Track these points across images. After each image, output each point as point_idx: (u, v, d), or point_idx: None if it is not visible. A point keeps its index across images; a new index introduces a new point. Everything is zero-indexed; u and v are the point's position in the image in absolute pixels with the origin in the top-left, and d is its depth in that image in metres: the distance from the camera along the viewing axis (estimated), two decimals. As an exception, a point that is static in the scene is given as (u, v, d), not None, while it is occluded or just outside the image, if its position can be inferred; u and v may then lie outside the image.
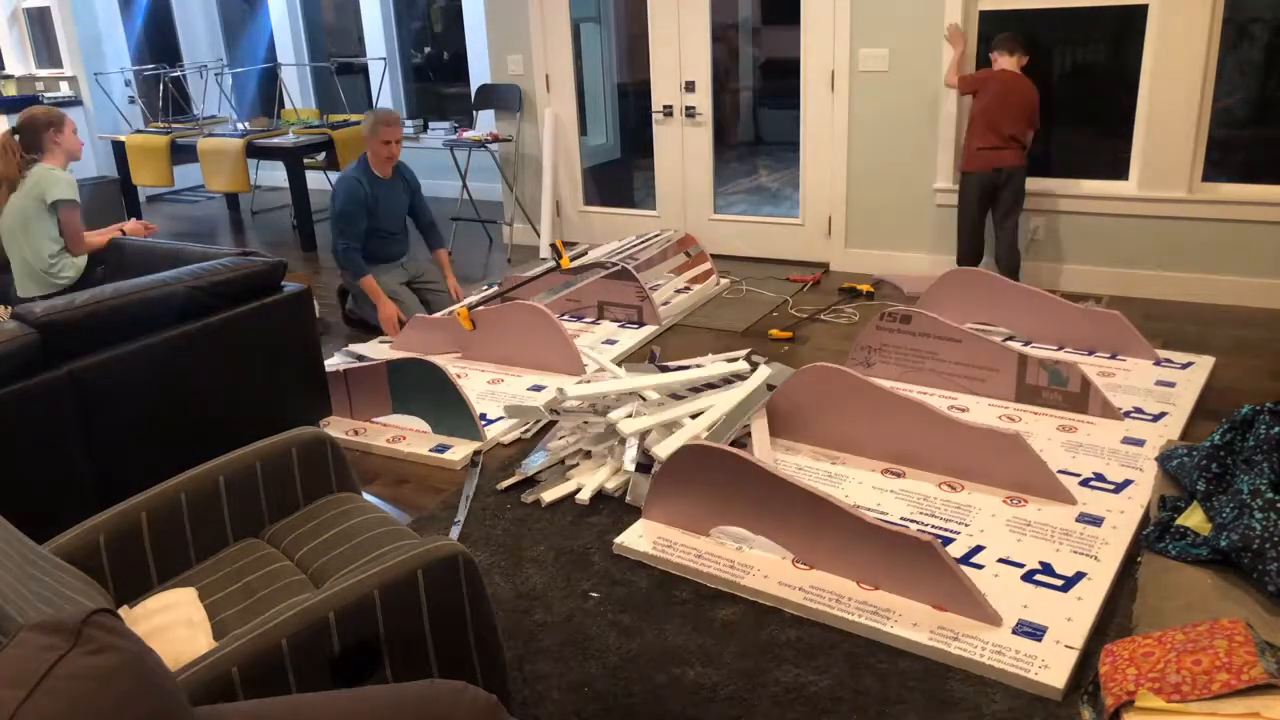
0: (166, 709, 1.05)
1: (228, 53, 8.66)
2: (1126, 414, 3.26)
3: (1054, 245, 4.69)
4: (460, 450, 3.30)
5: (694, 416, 3.18)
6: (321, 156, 6.82)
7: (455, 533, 2.83)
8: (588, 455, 3.15)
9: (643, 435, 3.08)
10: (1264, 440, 2.40)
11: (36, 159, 3.77)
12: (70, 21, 7.85)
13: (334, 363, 4.03)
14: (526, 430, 3.45)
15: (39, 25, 8.12)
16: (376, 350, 4.26)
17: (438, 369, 3.38)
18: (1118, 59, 4.48)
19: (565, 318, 4.60)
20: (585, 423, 3.28)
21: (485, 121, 6.74)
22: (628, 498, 2.92)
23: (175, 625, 1.73)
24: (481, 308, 4.12)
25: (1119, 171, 4.52)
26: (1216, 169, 4.36)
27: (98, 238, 3.88)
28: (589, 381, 3.72)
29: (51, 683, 0.97)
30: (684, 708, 2.09)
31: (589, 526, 2.81)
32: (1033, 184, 4.53)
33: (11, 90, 7.84)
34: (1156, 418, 3.24)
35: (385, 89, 7.72)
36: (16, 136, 3.77)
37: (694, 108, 5.42)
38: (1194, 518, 2.41)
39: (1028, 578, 2.41)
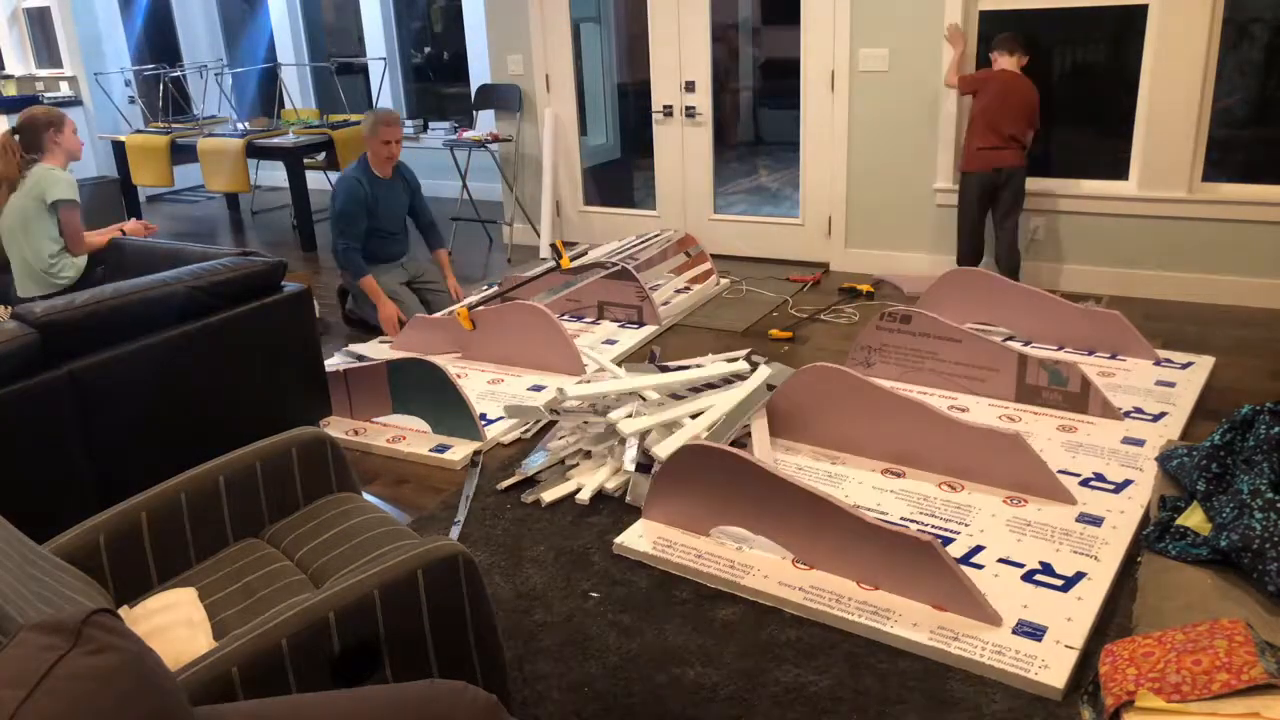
0: (166, 709, 1.05)
1: (228, 53, 8.66)
2: (1126, 414, 3.26)
3: (1054, 245, 4.69)
4: (460, 450, 3.30)
5: (694, 416, 3.18)
6: (321, 156, 6.82)
7: (455, 533, 2.83)
8: (588, 455, 3.15)
9: (643, 435, 3.08)
10: (1264, 440, 2.40)
11: (36, 159, 3.77)
12: (70, 21, 7.85)
13: (334, 363, 4.03)
14: (526, 430, 3.45)
15: (39, 25, 8.12)
16: (376, 350, 4.26)
17: (438, 369, 3.38)
18: (1118, 59, 4.48)
19: (565, 318, 4.60)
20: (585, 423, 3.28)
21: (485, 121, 6.74)
22: (628, 498, 2.92)
23: (175, 625, 1.73)
24: (481, 308, 4.12)
25: (1119, 171, 4.52)
26: (1216, 169, 4.36)
27: (98, 238, 3.88)
28: (589, 381, 3.72)
29: (51, 683, 0.97)
30: (684, 708, 2.09)
31: (589, 526, 2.81)
32: (1033, 184, 4.53)
33: (11, 90, 7.84)
34: (1156, 418, 3.24)
35: (385, 89, 7.72)
36: (16, 136, 3.77)
37: (694, 108, 5.42)
38: (1194, 518, 2.41)
39: (1028, 578, 2.41)
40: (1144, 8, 4.26)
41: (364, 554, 1.94)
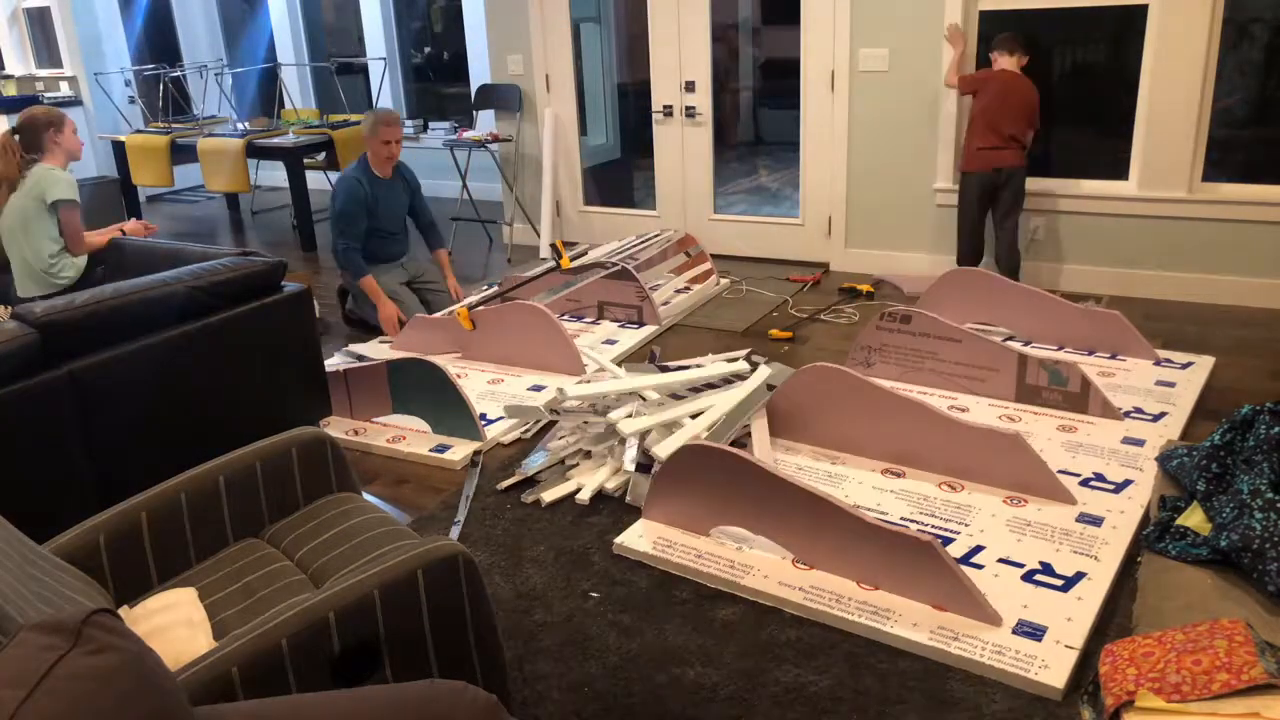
0: (166, 709, 1.05)
1: (228, 53, 8.66)
2: (1126, 414, 3.26)
3: (1054, 245, 4.69)
4: (460, 450, 3.30)
5: (694, 416, 3.18)
6: (321, 156, 6.82)
7: (455, 533, 2.83)
8: (588, 455, 3.15)
9: (643, 435, 3.08)
10: (1264, 440, 2.40)
11: (36, 159, 3.77)
12: (70, 21, 7.85)
13: (334, 363, 4.03)
14: (526, 430, 3.45)
15: (39, 25, 8.12)
16: (376, 350, 4.26)
17: (438, 369, 3.38)
18: (1118, 59, 4.48)
19: (565, 318, 4.60)
20: (585, 423, 3.28)
21: (485, 121, 6.74)
22: (628, 498, 2.92)
23: (175, 625, 1.73)
24: (481, 308, 4.12)
25: (1119, 171, 4.52)
26: (1216, 169, 4.36)
27: (98, 238, 3.89)
28: (589, 381, 3.72)
29: (51, 683, 0.97)
30: (684, 708, 2.09)
31: (589, 526, 2.81)
32: (1033, 184, 4.53)
33: (11, 90, 7.84)
34: (1156, 418, 3.24)
35: (385, 89, 7.72)
36: (16, 136, 3.77)
37: (694, 108, 5.42)
38: (1194, 518, 2.41)
39: (1028, 578, 2.41)
40: (1144, 8, 4.26)
41: (364, 554, 1.94)
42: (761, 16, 6.22)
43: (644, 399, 3.34)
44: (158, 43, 8.47)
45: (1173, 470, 2.66)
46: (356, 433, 3.48)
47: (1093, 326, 3.78)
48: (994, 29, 4.53)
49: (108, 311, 2.59)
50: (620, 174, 6.50)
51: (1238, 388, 3.51)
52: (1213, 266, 4.39)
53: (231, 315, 2.88)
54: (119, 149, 7.10)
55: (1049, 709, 2.02)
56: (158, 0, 8.45)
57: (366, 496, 2.44)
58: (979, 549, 2.55)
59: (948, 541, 2.59)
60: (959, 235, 4.58)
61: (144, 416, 2.66)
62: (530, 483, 3.08)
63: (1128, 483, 2.84)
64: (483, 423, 3.45)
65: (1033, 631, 2.21)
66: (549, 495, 2.95)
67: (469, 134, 6.41)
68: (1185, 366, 3.64)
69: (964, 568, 2.38)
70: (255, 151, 6.40)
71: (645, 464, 2.98)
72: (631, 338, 4.31)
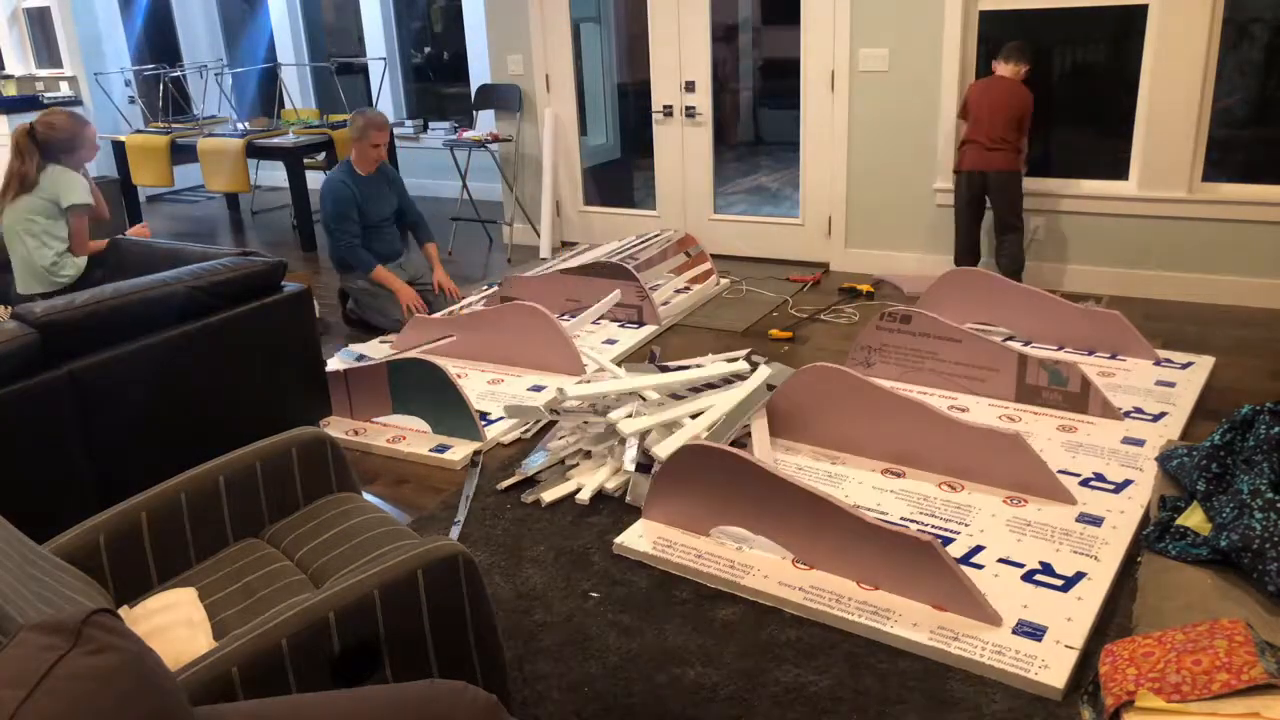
0: (166, 709, 1.05)
1: (228, 53, 8.66)
2: (1126, 414, 3.26)
3: (1054, 245, 4.69)
4: (460, 450, 3.30)
5: (694, 416, 3.18)
6: (321, 156, 6.82)
7: (455, 533, 2.83)
8: (588, 455, 3.15)
9: (643, 435, 3.08)
10: (1264, 440, 2.40)
11: (54, 161, 3.79)
12: (70, 21, 7.85)
13: (334, 363, 4.03)
14: (526, 430, 3.45)
15: (39, 25, 8.12)
16: (376, 350, 4.26)
17: (438, 369, 3.38)
18: (1118, 59, 4.48)
19: (565, 317, 4.60)
20: (585, 423, 3.28)
21: (485, 121, 6.74)
22: (628, 498, 2.92)
23: (175, 625, 1.73)
24: (481, 308, 4.12)
25: (1119, 171, 4.52)
26: (1216, 169, 4.36)
27: (98, 242, 3.91)
28: (589, 381, 3.72)
29: (51, 683, 0.97)
30: (684, 708, 2.09)
31: (589, 526, 2.81)
32: (1033, 184, 4.53)
33: (11, 90, 7.83)
34: (1156, 418, 3.24)
35: (385, 89, 7.72)
36: (34, 137, 3.78)
37: (694, 108, 5.42)
38: (1194, 518, 2.41)
39: (1028, 578, 2.41)
40: (1144, 8, 4.27)
41: (364, 554, 1.94)
42: (761, 16, 6.22)
43: (644, 399, 3.34)
44: (158, 43, 8.47)
45: (1173, 470, 2.66)
46: (356, 433, 3.48)
47: (1093, 326, 3.78)
48: (994, 29, 4.53)
49: (108, 311, 2.59)
50: (620, 174, 6.50)
51: (1238, 388, 3.51)
52: (1213, 266, 4.39)
53: (231, 315, 2.88)
54: (119, 149, 7.09)
55: (1049, 709, 2.02)
56: (158, 0, 8.45)
57: (366, 496, 2.44)
58: (979, 549, 2.55)
59: (948, 541, 2.59)
60: (955, 235, 4.59)
61: (144, 416, 2.66)
62: (530, 483, 3.08)
63: (1128, 483, 2.84)
64: (483, 423, 3.45)
65: (1033, 631, 2.21)
66: (549, 495, 2.95)
67: (469, 134, 6.41)
68: (1185, 366, 3.64)
69: (964, 568, 2.38)
70: (255, 151, 6.40)
71: (645, 464, 2.98)
72: (631, 338, 4.31)
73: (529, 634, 2.35)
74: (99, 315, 2.57)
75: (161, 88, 7.59)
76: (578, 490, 2.97)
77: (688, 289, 4.88)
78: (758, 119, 6.63)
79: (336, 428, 3.51)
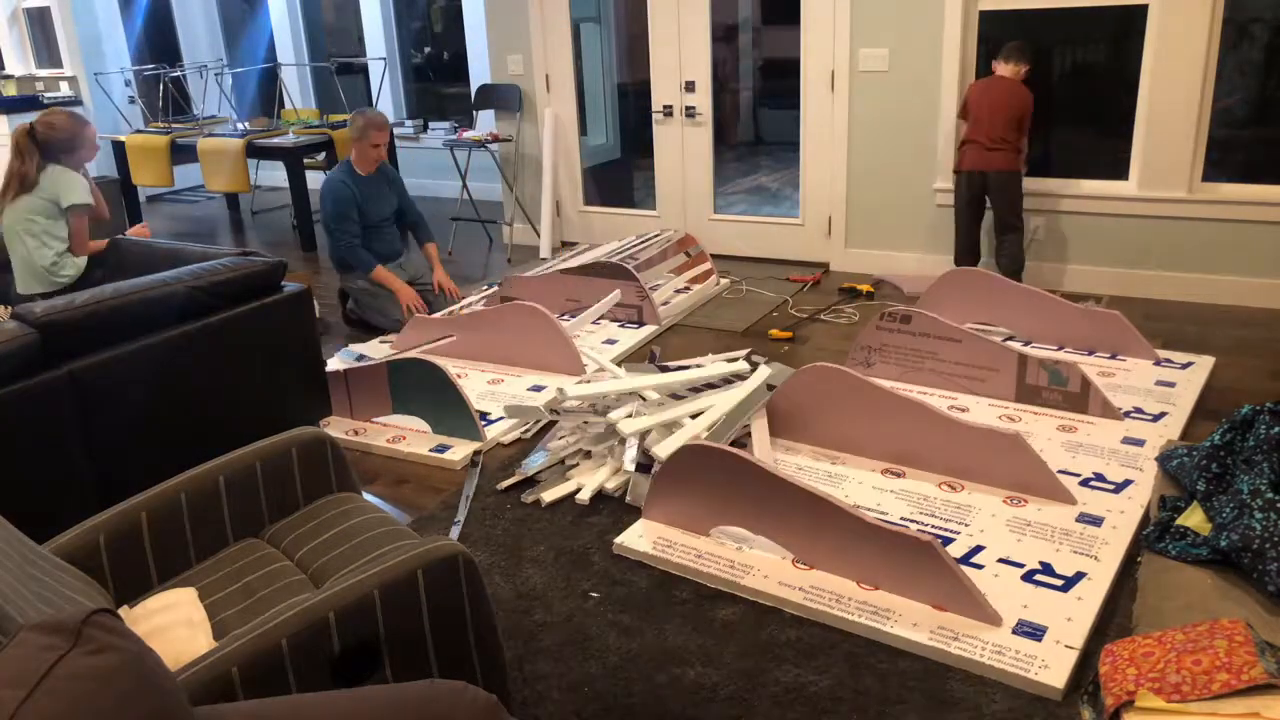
0: (166, 709, 1.05)
1: (228, 53, 8.66)
2: (1126, 414, 3.26)
3: (1054, 245, 4.69)
4: (460, 450, 3.30)
5: (694, 416, 3.18)
6: (321, 156, 6.82)
7: (455, 533, 2.83)
8: (588, 455, 3.15)
9: (643, 435, 3.08)
10: (1264, 440, 2.40)
11: (54, 161, 3.79)
12: (70, 21, 7.85)
13: (334, 363, 4.03)
14: (526, 430, 3.45)
15: (39, 25, 8.12)
16: (376, 350, 4.26)
17: (438, 369, 3.38)
18: (1118, 59, 4.48)
19: (565, 318, 4.60)
20: (585, 423, 3.28)
21: (485, 121, 6.74)
22: (628, 498, 2.92)
23: (175, 625, 1.73)
24: (481, 308, 4.12)
25: (1119, 171, 4.52)
26: (1216, 169, 4.36)
27: (98, 242, 3.91)
28: (589, 381, 3.72)
29: (51, 683, 0.97)
30: (684, 708, 2.09)
31: (589, 526, 2.81)
32: (1033, 184, 4.53)
33: (11, 90, 7.83)
34: (1156, 418, 3.24)
35: (385, 89, 7.72)
36: (34, 137, 3.78)
37: (694, 108, 5.42)
38: (1194, 518, 2.41)
39: (1028, 578, 2.41)
40: (1144, 8, 4.27)
41: (364, 554, 1.94)
42: (761, 16, 6.22)
43: (644, 399, 3.34)
44: (158, 43, 8.47)
45: (1173, 470, 2.66)
46: (356, 433, 3.48)
47: (1093, 326, 3.78)
48: (994, 29, 4.53)
49: (108, 311, 2.59)
50: (620, 174, 6.50)
51: (1238, 388, 3.51)
52: (1213, 266, 4.39)
53: (231, 315, 2.88)
54: (119, 149, 7.10)
55: (1049, 709, 2.02)
56: (158, 0, 8.45)
57: (366, 496, 2.44)
58: (979, 549, 2.55)
59: (948, 541, 2.59)
60: (955, 234, 4.59)
61: (144, 416, 2.66)
62: (530, 483, 3.08)
63: (1128, 483, 2.84)
64: (483, 423, 3.45)
65: (1033, 631, 2.21)
66: (549, 495, 2.95)
67: (469, 134, 6.41)
68: (1185, 366, 3.64)
69: (964, 568, 2.38)
70: (255, 151, 6.40)
71: (645, 464, 2.98)
72: (631, 338, 4.31)
73: (529, 634, 2.35)
74: (99, 315, 2.57)
75: (161, 88, 7.59)
76: (578, 490, 2.97)
77: (688, 289, 4.88)
78: (758, 119, 6.63)
79: (336, 428, 3.51)
